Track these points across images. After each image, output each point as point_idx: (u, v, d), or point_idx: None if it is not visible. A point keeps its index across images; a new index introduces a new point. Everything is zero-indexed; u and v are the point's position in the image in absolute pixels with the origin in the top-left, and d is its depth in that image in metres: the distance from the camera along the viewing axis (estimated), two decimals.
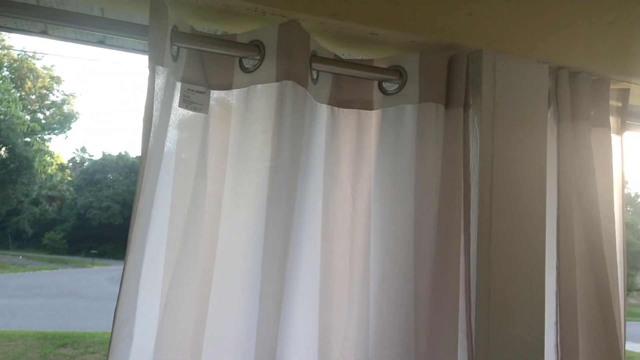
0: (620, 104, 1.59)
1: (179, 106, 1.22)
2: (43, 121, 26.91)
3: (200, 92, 1.25)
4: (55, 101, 27.62)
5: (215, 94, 1.27)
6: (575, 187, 1.41)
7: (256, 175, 1.23)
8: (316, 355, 1.23)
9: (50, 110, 27.60)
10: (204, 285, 1.17)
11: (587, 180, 1.42)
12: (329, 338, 1.25)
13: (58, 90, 27.45)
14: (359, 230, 1.32)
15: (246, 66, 1.28)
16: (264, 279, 1.16)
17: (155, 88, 1.14)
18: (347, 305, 1.27)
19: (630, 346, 13.09)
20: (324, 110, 1.35)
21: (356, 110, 1.37)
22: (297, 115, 1.23)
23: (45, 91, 26.75)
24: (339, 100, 1.37)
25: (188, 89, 1.24)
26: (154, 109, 1.13)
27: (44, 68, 26.39)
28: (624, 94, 1.59)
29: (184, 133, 1.22)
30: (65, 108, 27.81)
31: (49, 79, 26.59)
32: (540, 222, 1.34)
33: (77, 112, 28.66)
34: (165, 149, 1.19)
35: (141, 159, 1.13)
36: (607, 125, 1.52)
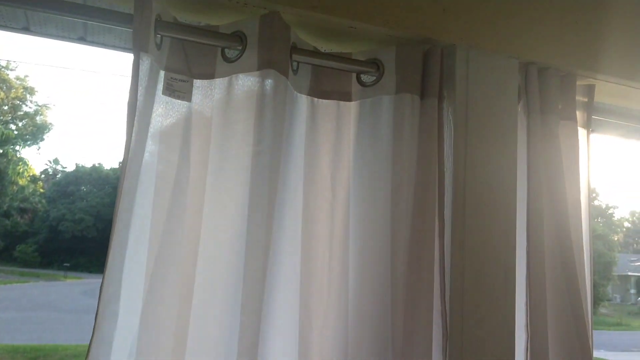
0: (586, 99, 1.66)
1: (163, 94, 1.25)
2: (15, 132, 26.52)
3: (183, 81, 1.28)
4: (28, 112, 27.26)
5: (197, 83, 1.30)
6: (544, 177, 1.47)
7: (239, 160, 1.26)
8: (297, 334, 1.26)
9: (23, 121, 27.23)
10: (189, 262, 1.20)
11: (554, 170, 1.48)
12: (310, 319, 1.28)
13: (31, 101, 27.10)
14: (338, 217, 1.36)
15: (228, 56, 1.32)
16: (247, 260, 1.20)
17: (140, 74, 1.17)
18: (327, 286, 1.31)
19: (602, 354, 13.29)
20: (304, 100, 1.39)
21: (335, 101, 1.42)
22: (279, 102, 1.27)
23: (18, 102, 26.40)
24: (318, 92, 1.41)
25: (171, 78, 1.27)
26: (139, 94, 1.16)
27: (17, 79, 26.09)
28: (590, 90, 1.66)
29: (167, 121, 1.25)
30: (39, 119, 27.45)
31: (22, 90, 26.27)
32: (511, 209, 1.40)
33: (50, 123, 28.20)
34: (149, 135, 1.22)
35: (125, 145, 1.16)
36: (574, 118, 1.58)
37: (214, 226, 1.24)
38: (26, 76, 27.50)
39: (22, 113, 27.02)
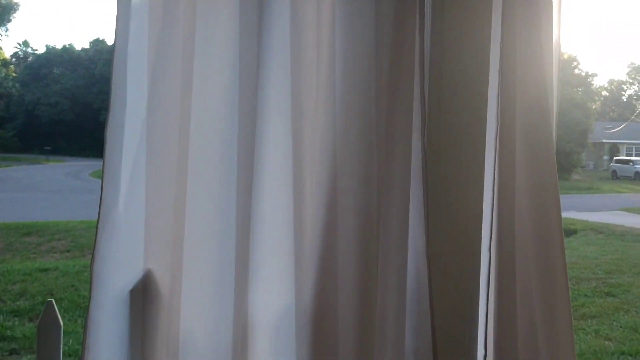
0: None
1: None
2: None
3: None
4: None
5: None
6: (519, 18, 1.51)
7: None
8: (289, 118, 1.38)
9: None
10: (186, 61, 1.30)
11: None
12: (300, 107, 1.38)
13: None
14: (323, 29, 1.41)
15: None
16: (241, 67, 1.32)
17: None
18: (315, 85, 1.40)
19: (572, 214, 14.01)
20: None
21: None
22: None
23: None
24: None
25: None
26: None
27: None
28: None
29: None
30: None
31: None
32: (486, 37, 1.47)
33: (16, 3, 27.04)
34: None
35: None
36: None
37: (207, 49, 1.32)
38: None
39: None
